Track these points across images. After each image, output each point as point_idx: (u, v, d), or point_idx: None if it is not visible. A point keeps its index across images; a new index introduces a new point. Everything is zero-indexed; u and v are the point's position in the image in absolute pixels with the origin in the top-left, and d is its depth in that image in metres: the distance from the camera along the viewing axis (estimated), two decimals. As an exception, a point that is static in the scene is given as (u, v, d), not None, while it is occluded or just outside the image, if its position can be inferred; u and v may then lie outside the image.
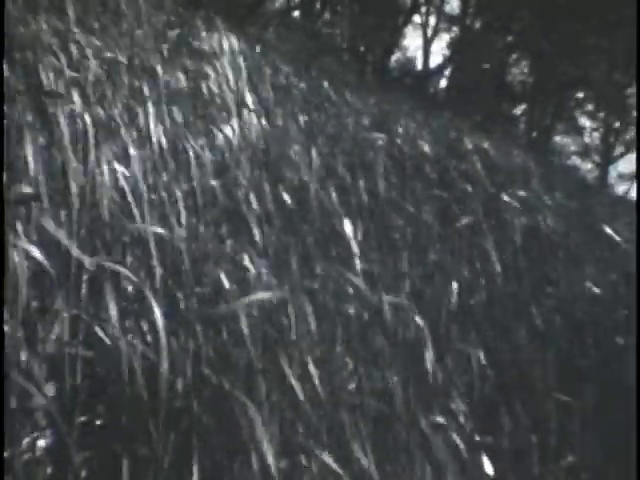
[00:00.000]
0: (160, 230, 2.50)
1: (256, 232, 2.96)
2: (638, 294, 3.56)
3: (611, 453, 3.13)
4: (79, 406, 2.13)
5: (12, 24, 3.62)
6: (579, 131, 18.09)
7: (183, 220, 2.75)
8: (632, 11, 11.59)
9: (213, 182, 3.23)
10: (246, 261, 2.65)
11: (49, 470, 2.04)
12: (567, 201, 5.73)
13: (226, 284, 2.44)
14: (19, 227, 2.23)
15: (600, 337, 3.57)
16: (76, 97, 3.11)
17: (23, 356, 2.09)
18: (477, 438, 2.76)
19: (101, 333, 2.19)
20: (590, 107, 17.45)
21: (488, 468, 2.68)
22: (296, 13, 15.03)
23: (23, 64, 3.30)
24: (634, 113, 14.98)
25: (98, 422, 2.17)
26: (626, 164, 17.55)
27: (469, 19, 15.98)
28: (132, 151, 2.86)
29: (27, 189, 2.32)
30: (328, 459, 2.20)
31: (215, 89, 4.53)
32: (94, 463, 2.10)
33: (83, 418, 2.13)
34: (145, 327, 2.25)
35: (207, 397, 2.19)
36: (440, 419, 2.63)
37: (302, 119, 4.76)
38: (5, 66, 3.01)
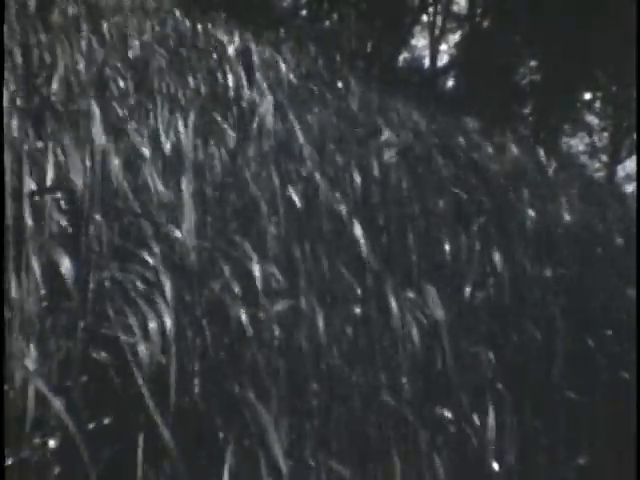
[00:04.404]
0: (170, 230, 2.50)
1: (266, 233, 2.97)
2: (638, 294, 3.56)
3: (614, 454, 3.13)
4: (88, 406, 2.14)
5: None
6: (587, 131, 18.02)
7: (192, 221, 2.76)
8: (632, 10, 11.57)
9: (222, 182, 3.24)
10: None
11: (58, 470, 2.05)
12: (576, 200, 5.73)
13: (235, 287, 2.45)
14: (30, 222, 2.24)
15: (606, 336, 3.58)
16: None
17: (32, 356, 2.10)
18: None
19: (110, 333, 2.20)
20: (598, 107, 17.38)
21: (495, 466, 2.68)
22: (304, 12, 15.02)
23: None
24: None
25: (106, 422, 2.17)
26: (634, 164, 17.47)
27: (477, 19, 15.93)
28: (144, 150, 2.87)
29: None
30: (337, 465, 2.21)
31: (226, 88, 4.54)
32: (103, 464, 2.11)
33: (92, 418, 2.14)
34: (154, 328, 2.25)
35: (216, 398, 2.20)
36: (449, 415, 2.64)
37: (311, 118, 4.77)
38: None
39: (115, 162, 2.62)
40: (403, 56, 16.12)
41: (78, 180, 2.47)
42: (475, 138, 6.39)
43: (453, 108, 8.90)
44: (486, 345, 3.04)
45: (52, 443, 2.03)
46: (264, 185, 3.27)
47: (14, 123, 2.71)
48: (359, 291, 2.77)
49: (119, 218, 2.52)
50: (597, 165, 18.39)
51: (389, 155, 4.33)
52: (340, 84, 6.74)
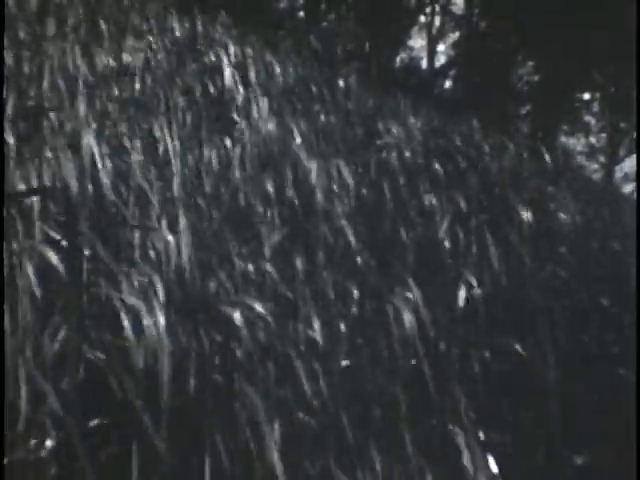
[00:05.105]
0: (165, 233, 2.49)
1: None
2: (638, 293, 3.57)
3: (614, 453, 3.13)
4: (84, 407, 2.13)
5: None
6: (585, 132, 18.04)
7: (188, 224, 2.75)
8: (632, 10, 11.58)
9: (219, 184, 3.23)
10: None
11: (54, 471, 2.04)
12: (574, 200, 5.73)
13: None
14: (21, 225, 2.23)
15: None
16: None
17: (28, 356, 2.09)
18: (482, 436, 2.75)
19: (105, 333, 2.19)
20: (596, 108, 17.40)
21: (493, 467, 2.68)
22: (301, 14, 15.01)
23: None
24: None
25: (104, 422, 2.16)
26: (632, 164, 17.49)
27: (475, 19, 15.94)
28: (137, 155, 2.86)
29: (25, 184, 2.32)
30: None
31: (223, 90, 4.53)
32: (99, 464, 2.10)
33: (89, 418, 2.13)
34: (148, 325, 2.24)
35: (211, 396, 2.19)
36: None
37: (309, 120, 4.75)
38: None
39: (107, 166, 2.61)
40: (400, 57, 16.12)
41: (71, 184, 2.46)
42: (472, 138, 6.38)
43: (451, 108, 8.89)
44: (483, 345, 3.03)
45: (49, 443, 2.02)
46: (259, 189, 3.27)
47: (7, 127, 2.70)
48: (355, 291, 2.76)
49: (111, 222, 2.51)
50: (595, 166, 18.42)
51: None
52: (337, 85, 6.73)
